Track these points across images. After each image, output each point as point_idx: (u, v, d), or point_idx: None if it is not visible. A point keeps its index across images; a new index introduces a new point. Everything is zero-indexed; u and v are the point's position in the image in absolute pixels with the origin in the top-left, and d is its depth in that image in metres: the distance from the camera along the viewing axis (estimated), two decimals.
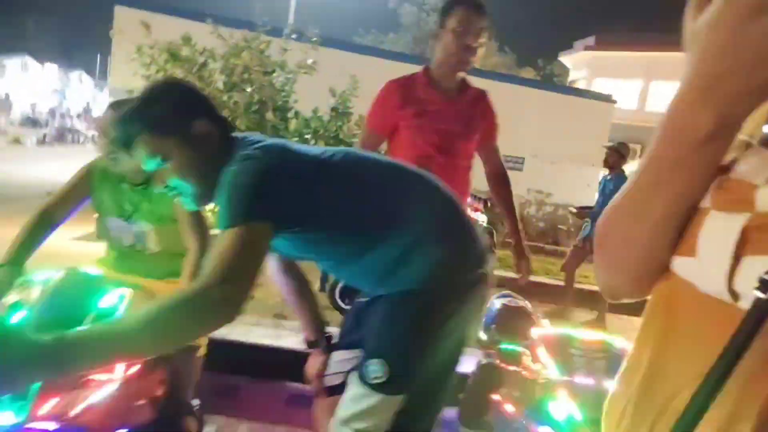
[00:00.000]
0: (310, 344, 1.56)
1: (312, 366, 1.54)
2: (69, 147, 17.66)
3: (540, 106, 11.13)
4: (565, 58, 23.75)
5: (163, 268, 1.82)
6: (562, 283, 5.40)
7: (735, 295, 0.43)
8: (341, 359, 1.45)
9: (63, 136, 18.49)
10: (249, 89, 5.95)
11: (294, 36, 6.12)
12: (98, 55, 33.25)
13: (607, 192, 4.91)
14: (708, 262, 0.46)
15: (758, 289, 0.40)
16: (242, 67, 5.66)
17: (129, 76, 8.62)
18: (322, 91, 6.26)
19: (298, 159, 1.19)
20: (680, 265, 0.49)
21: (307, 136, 6.04)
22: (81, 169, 1.78)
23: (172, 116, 1.15)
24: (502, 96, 9.20)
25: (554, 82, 23.13)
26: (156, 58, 5.56)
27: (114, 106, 1.70)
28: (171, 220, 1.75)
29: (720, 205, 0.46)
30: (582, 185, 10.84)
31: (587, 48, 21.19)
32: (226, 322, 0.92)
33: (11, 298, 1.43)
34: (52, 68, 26.84)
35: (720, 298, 0.44)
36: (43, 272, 1.48)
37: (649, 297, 0.56)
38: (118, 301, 1.45)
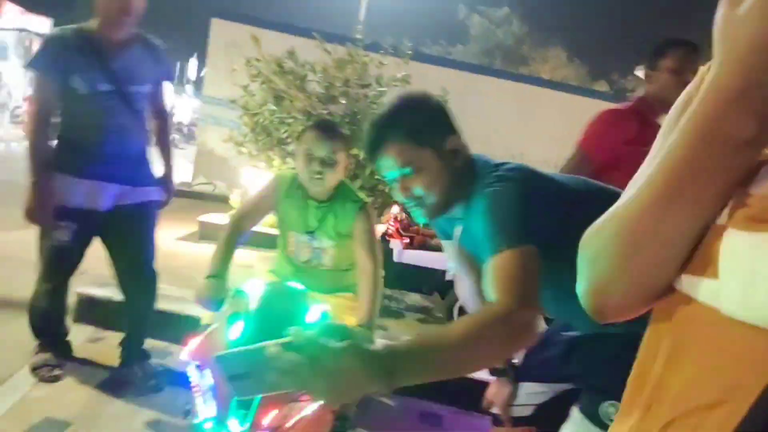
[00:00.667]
0: (496, 372, 1.56)
1: (498, 394, 1.53)
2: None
3: (569, 112, 10.71)
4: (641, 72, 22.82)
5: (333, 284, 1.90)
6: None
7: None
8: (533, 392, 1.44)
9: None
10: (345, 101, 6.12)
11: (391, 51, 6.24)
12: (177, 64, 35.20)
13: None
14: (736, 286, 0.41)
15: None
16: (342, 81, 5.83)
17: (222, 86, 9.09)
18: None
19: (547, 182, 1.19)
20: (695, 286, 0.45)
21: None
22: (270, 181, 1.88)
23: (431, 127, 1.18)
24: (575, 109, 8.83)
25: (627, 97, 22.32)
26: (262, 70, 5.83)
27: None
28: (348, 237, 1.82)
29: (741, 224, 0.42)
30: None
31: None
32: (527, 347, 0.92)
33: (227, 309, 1.53)
34: None
35: (750, 323, 0.40)
36: (252, 285, 1.57)
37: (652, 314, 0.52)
38: (321, 318, 1.51)
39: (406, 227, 4.60)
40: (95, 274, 3.59)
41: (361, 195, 1.85)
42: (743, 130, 0.42)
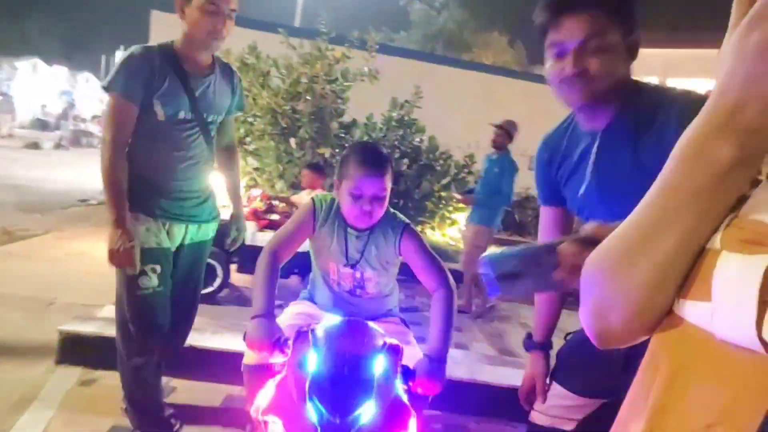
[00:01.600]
0: (530, 344, 1.60)
1: (535, 375, 1.55)
2: (85, 150, 17.54)
3: (563, 106, 11.00)
4: None
5: (376, 310, 1.78)
6: None
7: (766, 345, 0.40)
8: (574, 404, 1.41)
9: (78, 139, 18.33)
10: (310, 98, 5.89)
11: (357, 43, 6.04)
12: (103, 57, 32.97)
13: (491, 174, 4.66)
14: (727, 308, 0.42)
15: None
16: (308, 77, 5.59)
17: None
18: (376, 98, 6.20)
19: None
20: (690, 309, 0.46)
21: None
22: (306, 206, 1.71)
23: (632, 14, 1.17)
24: (515, 94, 9.12)
25: None
26: None
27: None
28: (392, 264, 1.72)
29: (734, 246, 0.43)
30: None
31: None
32: None
33: (297, 355, 1.36)
34: (60, 70, 26.57)
35: (743, 346, 0.41)
36: (319, 325, 1.42)
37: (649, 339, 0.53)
38: (393, 355, 1.39)
39: (269, 209, 4.53)
40: (73, 307, 3.28)
41: (401, 216, 1.71)
42: (724, 156, 0.43)
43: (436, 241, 6.84)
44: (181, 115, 1.90)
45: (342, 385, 1.21)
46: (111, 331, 2.68)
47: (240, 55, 5.57)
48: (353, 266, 1.69)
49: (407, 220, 1.71)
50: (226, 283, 4.04)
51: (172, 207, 1.94)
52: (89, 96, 29.33)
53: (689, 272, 0.47)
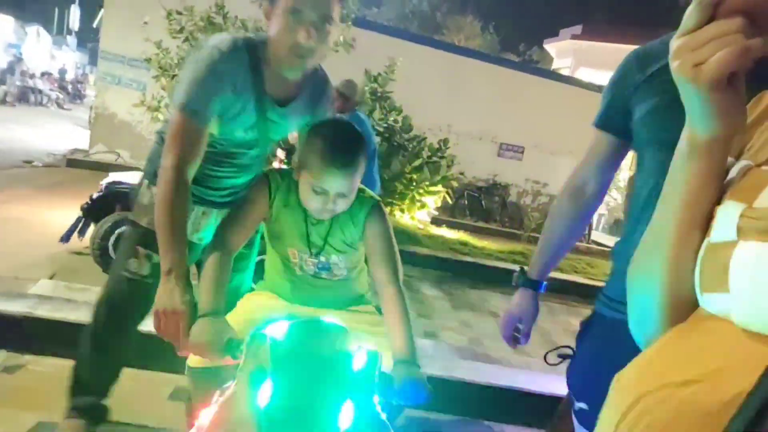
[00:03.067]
0: (522, 279, 1.47)
1: (522, 310, 1.44)
2: (33, 108, 16.38)
3: (536, 95, 10.97)
4: (550, 46, 23.75)
5: (344, 294, 1.56)
6: (598, 283, 5.37)
7: None
8: None
9: (26, 95, 17.05)
10: None
11: None
12: (56, 10, 30.88)
13: None
14: (746, 295, 0.44)
15: None
16: None
17: (125, 41, 7.97)
18: (350, 71, 5.90)
19: None
20: (710, 302, 0.49)
21: None
22: (258, 183, 1.43)
23: None
24: (504, 81, 9.07)
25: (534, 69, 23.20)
26: (185, 25, 5.03)
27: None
28: (359, 242, 1.48)
29: (749, 236, 0.45)
30: None
31: (573, 37, 21.24)
32: None
33: (249, 363, 1.12)
34: (7, 21, 24.59)
35: (760, 332, 0.43)
36: (272, 324, 1.18)
37: None
38: (371, 362, 1.17)
39: None
40: (3, 281, 2.90)
41: (370, 192, 1.46)
42: (699, 139, 0.50)
43: (405, 224, 6.67)
44: (240, 135, 1.50)
45: (305, 406, 0.99)
46: (42, 310, 2.38)
47: (206, 12, 5.15)
48: (317, 254, 1.46)
49: (377, 197, 1.46)
50: None
51: (200, 191, 1.57)
52: (39, 51, 27.46)
53: (707, 266, 0.49)
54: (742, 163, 0.52)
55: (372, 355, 1.18)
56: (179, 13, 5.11)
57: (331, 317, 1.28)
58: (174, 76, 5.60)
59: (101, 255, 3.30)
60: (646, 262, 0.56)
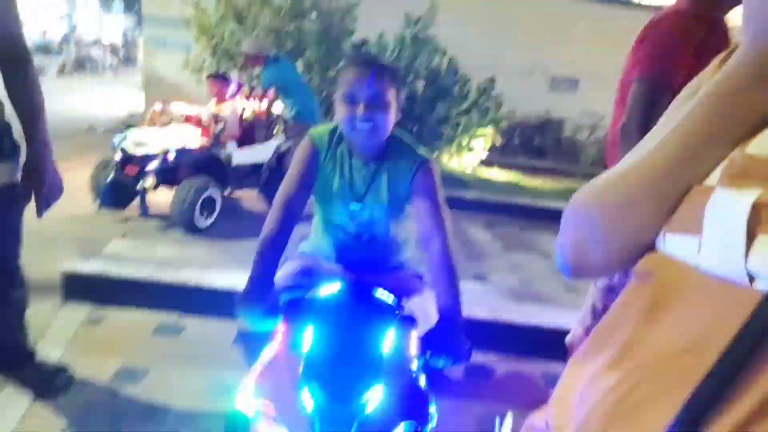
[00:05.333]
0: None
1: None
2: (89, 76, 17.08)
3: (590, 21, 10.23)
4: None
5: (387, 261, 1.58)
6: None
7: (750, 277, 0.41)
8: None
9: (82, 64, 17.77)
10: (316, 16, 5.45)
11: None
12: None
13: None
14: (715, 241, 0.44)
15: None
16: None
17: (166, 2, 8.04)
18: (388, 15, 5.73)
19: None
20: (675, 243, 0.48)
21: None
22: (303, 143, 1.45)
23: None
24: (553, 11, 8.44)
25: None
26: None
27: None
28: (406, 202, 1.46)
29: (727, 182, 0.44)
30: None
31: None
32: None
33: (291, 326, 1.18)
34: None
35: (728, 279, 0.43)
36: (314, 292, 1.24)
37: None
38: (407, 328, 1.20)
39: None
40: (79, 242, 3.17)
41: (421, 150, 1.45)
42: (764, 105, 0.45)
43: (453, 168, 6.60)
44: None
45: (343, 367, 1.04)
46: (116, 268, 2.59)
47: None
48: (359, 201, 1.45)
49: (428, 156, 1.44)
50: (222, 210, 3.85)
51: None
52: (89, 17, 28.23)
53: (682, 208, 0.48)
54: None
55: (407, 319, 1.22)
56: None
57: (368, 279, 1.33)
58: (213, 36, 5.66)
59: (187, 218, 3.53)
60: (631, 192, 0.52)
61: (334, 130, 1.44)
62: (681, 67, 1.60)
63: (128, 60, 24.45)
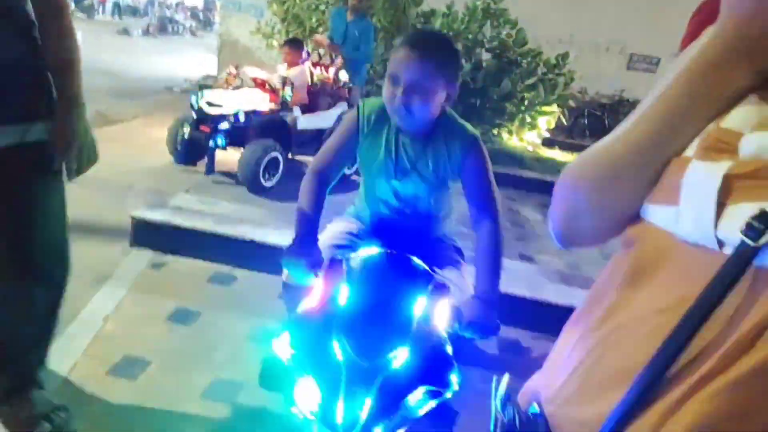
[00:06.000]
0: None
1: None
2: (170, 38, 17.90)
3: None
4: None
5: (427, 234, 1.58)
6: None
7: (720, 243, 0.44)
8: None
9: (165, 27, 18.64)
10: None
11: None
12: None
13: (353, 36, 4.69)
14: (690, 210, 0.46)
15: (744, 234, 0.42)
16: None
17: None
18: None
19: None
20: (655, 212, 0.51)
21: None
22: (350, 113, 1.49)
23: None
24: None
25: None
26: None
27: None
28: (450, 180, 1.47)
29: (702, 155, 0.47)
30: None
31: None
32: None
33: (328, 284, 1.24)
34: None
35: (702, 245, 0.45)
36: (354, 254, 1.29)
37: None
38: (436, 295, 1.23)
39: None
40: (149, 192, 3.45)
41: (471, 128, 1.43)
42: (740, 79, 0.47)
43: (513, 146, 6.47)
44: None
45: (373, 324, 1.10)
46: (180, 219, 2.81)
47: None
48: (402, 178, 1.47)
49: (477, 133, 1.44)
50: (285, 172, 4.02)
51: None
52: None
53: (662, 179, 0.50)
54: None
55: (439, 288, 1.26)
56: None
57: (404, 252, 1.34)
58: (285, 2, 5.76)
59: (252, 177, 3.74)
60: (616, 165, 0.55)
61: (384, 105, 1.43)
62: None
63: (207, 23, 25.34)
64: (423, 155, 1.43)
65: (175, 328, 2.18)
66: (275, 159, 3.87)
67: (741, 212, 0.42)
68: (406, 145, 1.44)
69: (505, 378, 0.75)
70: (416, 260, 1.27)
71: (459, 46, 5.40)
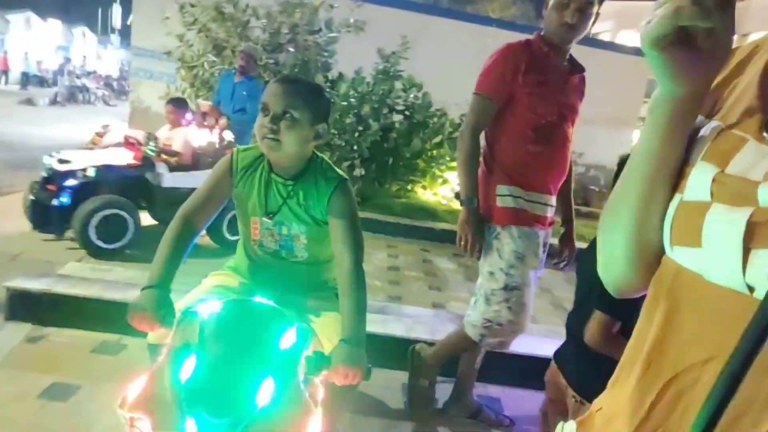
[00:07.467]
0: None
1: None
2: (81, 107, 17.27)
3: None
4: None
5: (309, 280, 1.57)
6: None
7: (749, 287, 0.45)
8: None
9: (74, 95, 18.00)
10: (293, 49, 5.64)
11: None
12: (99, 10, 32.09)
13: (240, 96, 4.88)
14: (716, 253, 0.47)
15: None
16: (289, 26, 5.32)
17: (152, 35, 8.26)
18: (366, 51, 5.92)
19: None
20: (682, 254, 0.52)
21: (352, 100, 5.76)
22: (222, 160, 1.51)
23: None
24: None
25: None
26: (199, 17, 5.21)
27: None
28: (325, 222, 1.48)
29: (722, 198, 0.48)
30: (615, 145, 10.49)
31: None
32: None
33: (177, 339, 1.17)
34: (55, 24, 25.86)
35: (729, 287, 0.46)
36: (206, 304, 1.22)
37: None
38: (301, 339, 1.20)
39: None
40: (37, 263, 3.20)
41: (338, 170, 1.50)
42: (692, 122, 0.55)
43: (427, 200, 6.70)
44: None
45: (225, 382, 1.05)
46: (62, 287, 2.62)
47: (216, 3, 5.30)
48: (274, 216, 1.47)
49: (345, 176, 1.49)
50: (137, 235, 3.70)
51: None
52: (85, 51, 28.75)
53: (679, 222, 0.52)
54: (713, 123, 0.54)
55: (303, 332, 1.23)
56: (192, 6, 5.28)
57: (263, 298, 1.31)
58: (193, 67, 5.81)
59: (82, 237, 3.44)
60: (615, 212, 0.59)
61: (256, 149, 1.47)
62: (504, 85, 2.01)
63: (122, 92, 24.81)
64: (294, 193, 1.45)
65: (49, 404, 1.98)
66: (119, 218, 3.52)
67: (766, 258, 0.44)
68: (278, 183, 1.46)
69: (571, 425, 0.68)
70: (273, 307, 1.23)
71: (367, 108, 5.64)
